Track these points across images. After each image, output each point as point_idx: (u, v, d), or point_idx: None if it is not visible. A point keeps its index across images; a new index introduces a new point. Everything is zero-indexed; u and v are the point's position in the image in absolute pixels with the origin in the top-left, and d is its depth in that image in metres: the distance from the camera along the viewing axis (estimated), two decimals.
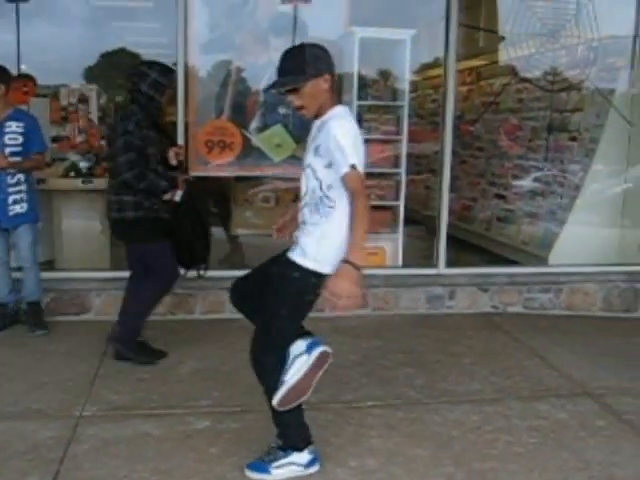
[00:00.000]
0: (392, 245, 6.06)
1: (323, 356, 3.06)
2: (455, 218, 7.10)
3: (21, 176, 4.96)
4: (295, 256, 3.02)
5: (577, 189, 6.62)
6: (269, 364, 3.10)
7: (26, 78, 6.42)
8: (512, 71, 7.23)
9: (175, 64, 5.55)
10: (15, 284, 5.18)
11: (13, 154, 4.90)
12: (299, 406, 3.15)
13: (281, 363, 3.08)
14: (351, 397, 4.02)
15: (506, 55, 6.86)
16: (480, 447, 3.46)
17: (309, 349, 3.05)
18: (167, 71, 4.50)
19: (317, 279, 2.98)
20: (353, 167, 2.84)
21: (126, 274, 4.65)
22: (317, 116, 3.04)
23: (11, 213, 4.96)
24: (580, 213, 6.49)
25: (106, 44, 8.27)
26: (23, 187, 4.98)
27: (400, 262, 6.07)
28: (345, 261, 2.84)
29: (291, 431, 3.20)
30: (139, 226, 4.37)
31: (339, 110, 3.02)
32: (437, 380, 4.34)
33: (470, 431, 3.63)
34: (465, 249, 7.36)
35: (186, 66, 5.56)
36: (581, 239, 6.37)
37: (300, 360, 3.04)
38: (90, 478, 3.08)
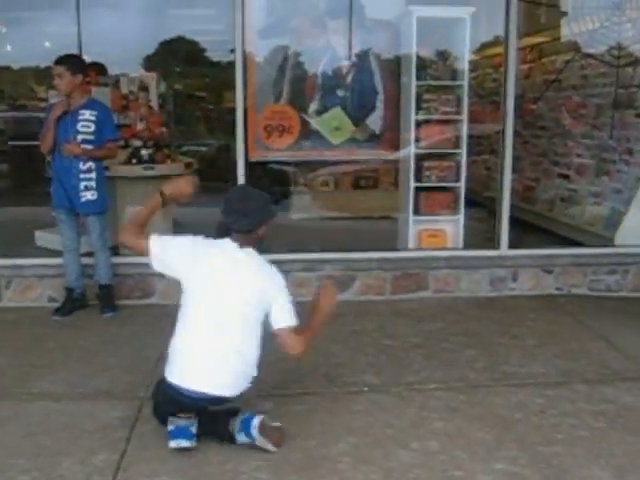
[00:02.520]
0: (453, 227, 5.98)
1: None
2: (517, 199, 6.98)
3: (92, 164, 5.09)
4: None
5: None
6: None
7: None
8: (575, 47, 7.03)
9: (232, 50, 5.59)
10: (83, 269, 5.31)
11: (85, 142, 5.04)
12: None
13: None
14: (413, 379, 4.01)
15: (569, 30, 6.68)
16: (544, 431, 3.41)
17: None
18: None
19: None
20: None
21: None
22: None
23: (82, 200, 5.10)
24: None
25: (164, 32, 8.37)
26: (94, 175, 5.11)
27: (461, 244, 6.00)
28: None
29: None
30: None
31: None
32: (500, 362, 4.29)
33: (534, 414, 3.58)
34: (527, 230, 7.22)
35: (244, 52, 5.56)
36: None
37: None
38: (156, 456, 3.14)
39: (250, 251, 3.27)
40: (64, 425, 3.47)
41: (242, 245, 3.24)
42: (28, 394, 3.86)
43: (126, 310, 5.35)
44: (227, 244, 3.26)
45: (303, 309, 3.30)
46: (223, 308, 3.20)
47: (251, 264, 3.26)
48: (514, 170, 6.02)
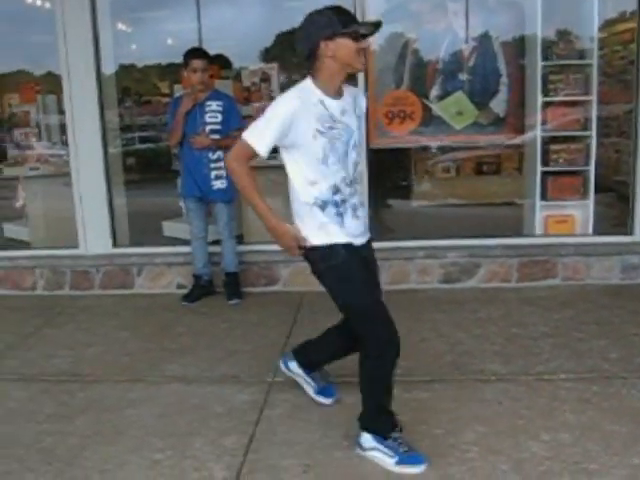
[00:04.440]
0: (582, 212, 5.76)
1: None
2: None
3: (221, 153, 5.22)
4: None
5: None
6: None
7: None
8: None
9: None
10: (210, 257, 5.47)
11: (213, 132, 5.21)
12: None
13: None
14: (542, 369, 3.89)
15: None
16: None
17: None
18: None
19: None
20: None
21: None
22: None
23: (214, 188, 5.27)
24: None
25: (281, 24, 8.47)
26: (223, 164, 5.23)
27: (591, 230, 5.77)
28: None
29: None
30: None
31: None
32: (635, 354, 4.09)
33: None
34: None
35: None
36: None
37: None
38: (284, 441, 3.19)
39: (300, 84, 3.00)
40: (195, 407, 3.59)
41: (312, 77, 2.98)
42: (161, 377, 4.02)
43: (251, 297, 5.47)
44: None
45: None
46: None
47: None
48: None
